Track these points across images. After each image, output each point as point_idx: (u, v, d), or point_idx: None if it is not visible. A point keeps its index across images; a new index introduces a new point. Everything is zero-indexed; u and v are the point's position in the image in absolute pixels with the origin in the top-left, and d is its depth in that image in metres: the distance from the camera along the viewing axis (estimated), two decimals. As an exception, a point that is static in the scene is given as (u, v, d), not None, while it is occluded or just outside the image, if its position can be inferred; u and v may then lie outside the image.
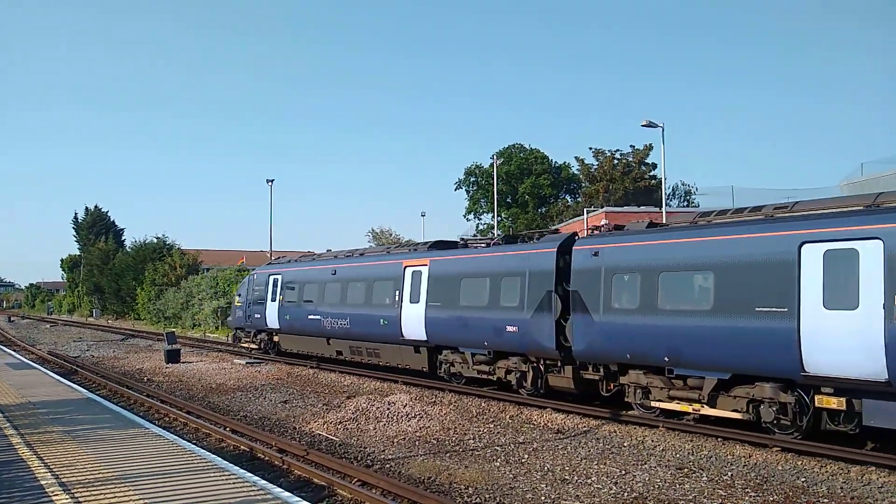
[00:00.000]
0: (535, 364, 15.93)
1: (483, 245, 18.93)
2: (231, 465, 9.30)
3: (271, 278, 26.50)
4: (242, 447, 12.35)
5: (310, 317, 23.50)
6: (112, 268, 68.02)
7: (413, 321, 18.96)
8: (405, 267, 19.67)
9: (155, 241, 64.92)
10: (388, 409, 14.86)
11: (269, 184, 47.18)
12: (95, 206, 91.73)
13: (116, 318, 66.57)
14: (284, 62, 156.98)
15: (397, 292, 19.60)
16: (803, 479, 9.68)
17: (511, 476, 10.21)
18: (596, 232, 16.08)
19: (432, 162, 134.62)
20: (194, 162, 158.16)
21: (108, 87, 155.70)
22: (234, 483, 8.14)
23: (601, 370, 14.46)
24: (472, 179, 66.74)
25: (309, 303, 23.79)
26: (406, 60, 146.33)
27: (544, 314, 15.03)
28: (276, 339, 26.82)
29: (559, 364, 15.36)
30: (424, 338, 18.67)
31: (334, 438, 13.10)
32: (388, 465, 11.06)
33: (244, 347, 29.27)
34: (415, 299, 18.96)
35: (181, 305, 52.76)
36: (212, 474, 8.57)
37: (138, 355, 30.17)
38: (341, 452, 12.04)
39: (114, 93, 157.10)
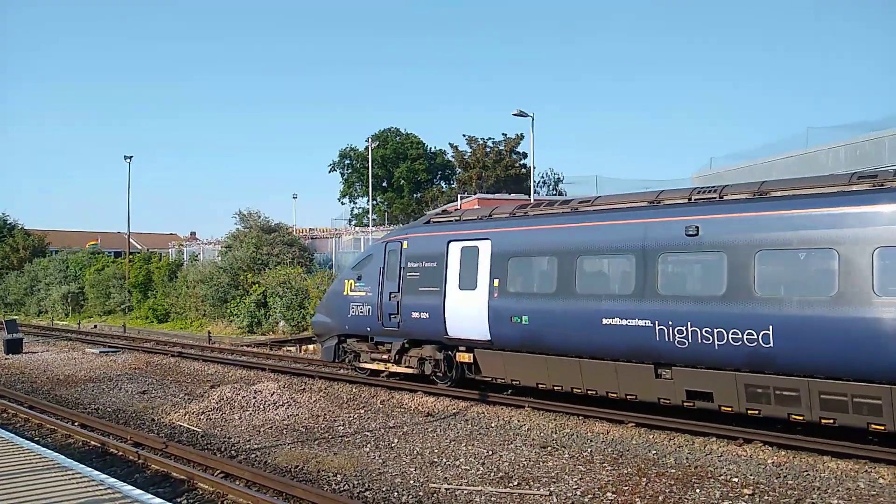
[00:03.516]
0: None
1: None
2: (77, 463, 8.61)
3: (456, 248, 14.44)
4: (93, 443, 11.49)
5: (606, 321, 11.74)
6: (-58, 249, 61.18)
7: None
8: None
9: (-7, 220, 59.13)
10: (255, 397, 14.37)
11: (127, 161, 44.18)
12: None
13: (-54, 305, 60.09)
14: (145, 35, 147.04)
15: None
16: (654, 452, 10.34)
17: (380, 461, 10.18)
18: None
19: (304, 143, 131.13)
20: (44, 135, 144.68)
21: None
22: (77, 483, 7.52)
23: None
24: (346, 162, 65.97)
25: (598, 296, 12.17)
26: (278, 38, 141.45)
27: None
28: (466, 358, 14.39)
29: None
30: None
31: (196, 429, 12.50)
32: (253, 455, 10.69)
33: (362, 369, 16.88)
34: None
35: (24, 291, 48.51)
36: (52, 474, 7.88)
37: (-27, 346, 27.30)
38: (204, 444, 11.51)
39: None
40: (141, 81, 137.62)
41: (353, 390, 15.83)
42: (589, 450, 10.56)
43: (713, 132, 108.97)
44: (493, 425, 12.31)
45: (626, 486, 8.82)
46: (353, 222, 61.72)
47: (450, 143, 62.38)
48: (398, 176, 62.36)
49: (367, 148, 54.08)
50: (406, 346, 15.54)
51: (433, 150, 65.52)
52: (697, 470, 9.45)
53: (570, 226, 12.99)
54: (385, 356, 15.97)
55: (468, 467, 9.78)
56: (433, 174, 65.08)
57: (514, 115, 29.30)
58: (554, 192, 57.69)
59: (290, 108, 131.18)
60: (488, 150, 57.69)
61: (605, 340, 11.90)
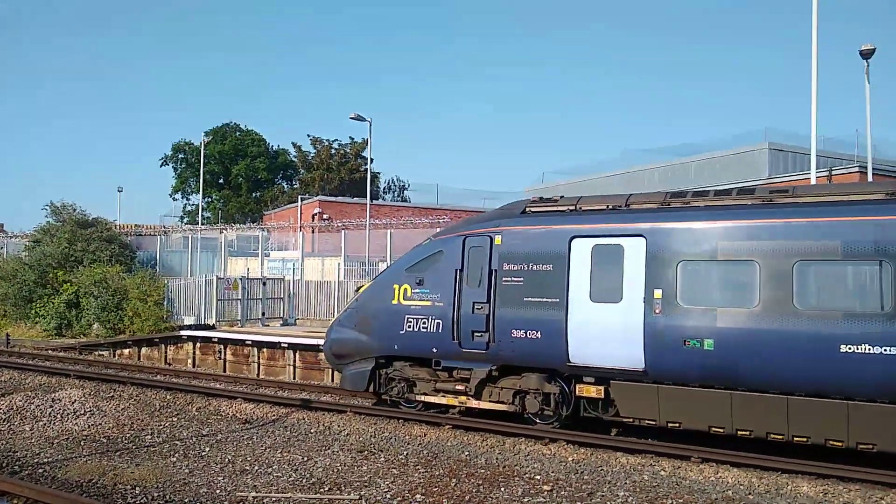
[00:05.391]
0: None
1: None
2: None
3: (585, 246, 11.25)
4: None
5: (846, 348, 9.21)
6: None
7: None
8: None
9: None
10: (52, 406, 13.15)
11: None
12: None
13: None
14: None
15: None
16: (467, 453, 10.67)
17: (187, 471, 9.67)
18: None
19: (135, 134, 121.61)
20: None
21: None
22: None
23: None
24: (180, 156, 62.41)
25: (832, 315, 9.43)
26: (102, 21, 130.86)
27: None
28: (593, 392, 11.19)
29: None
30: None
31: (-26, 444, 11.17)
32: (40, 471, 9.72)
33: (414, 402, 13.14)
34: None
35: None
36: None
37: None
38: (-19, 460, 10.30)
39: None
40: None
41: (168, 397, 14.94)
42: (405, 453, 10.69)
43: (544, 148, 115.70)
44: (312, 431, 12.13)
45: (435, 487, 9.00)
46: (185, 220, 58.49)
47: (293, 143, 61.11)
48: (236, 173, 59.90)
49: (202, 143, 51.35)
50: (494, 373, 12.11)
51: (275, 148, 63.75)
52: (505, 469, 9.86)
53: (777, 222, 10.05)
54: (460, 387, 12.39)
55: (280, 474, 9.54)
56: (274, 174, 63.21)
57: (352, 118, 29.17)
58: (399, 199, 58.21)
59: (121, 97, 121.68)
60: (333, 152, 57.10)
61: (842, 374, 9.19)
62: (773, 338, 9.60)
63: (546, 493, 8.82)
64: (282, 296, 25.39)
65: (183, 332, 22.72)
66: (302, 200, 44.61)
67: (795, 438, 9.67)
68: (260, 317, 24.21)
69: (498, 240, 11.94)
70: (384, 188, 60.87)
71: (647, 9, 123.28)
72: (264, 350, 20.47)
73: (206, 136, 51.59)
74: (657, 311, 10.38)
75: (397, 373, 13.08)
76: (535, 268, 11.48)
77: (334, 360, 14.23)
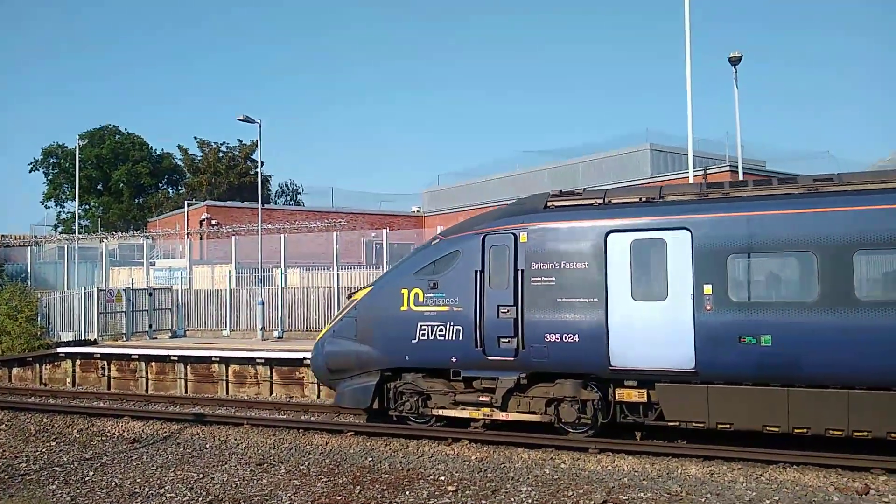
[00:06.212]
0: None
1: None
2: None
3: (623, 241, 10.59)
4: None
5: None
6: None
7: None
8: None
9: None
10: None
11: None
12: None
13: None
14: None
15: None
16: (370, 459, 10.54)
17: (69, 499, 9.00)
18: None
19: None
20: None
21: None
22: None
23: None
24: (52, 161, 58.35)
25: None
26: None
27: None
28: (635, 396, 10.58)
29: None
30: None
31: None
32: None
33: (427, 417, 12.11)
34: None
35: None
36: None
37: None
38: None
39: None
40: None
41: (45, 420, 13.90)
42: (306, 463, 10.43)
43: (438, 151, 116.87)
44: (207, 446, 11.62)
45: (339, 496, 8.83)
46: (60, 229, 54.69)
47: (179, 146, 58.46)
48: (117, 179, 56.65)
49: (77, 146, 48.17)
50: (523, 382, 11.19)
51: (159, 152, 60.81)
52: (409, 472, 9.82)
53: (834, 210, 9.61)
54: (484, 398, 11.43)
55: (174, 494, 9.06)
56: (159, 178, 60.29)
57: (241, 120, 28.17)
58: (292, 203, 56.94)
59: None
60: (221, 155, 55.09)
61: None
62: (835, 330, 9.28)
63: (451, 493, 8.85)
64: (170, 306, 24.17)
65: (60, 350, 21.13)
66: (188, 206, 42.82)
67: (855, 434, 9.34)
68: (147, 329, 22.94)
69: (523, 237, 11.09)
70: (276, 192, 59.43)
71: (551, 9, 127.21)
72: (153, 364, 19.39)
73: (82, 140, 48.54)
74: (708, 307, 9.88)
75: (409, 386, 11.97)
76: (567, 266, 10.74)
77: (329, 375, 12.74)
